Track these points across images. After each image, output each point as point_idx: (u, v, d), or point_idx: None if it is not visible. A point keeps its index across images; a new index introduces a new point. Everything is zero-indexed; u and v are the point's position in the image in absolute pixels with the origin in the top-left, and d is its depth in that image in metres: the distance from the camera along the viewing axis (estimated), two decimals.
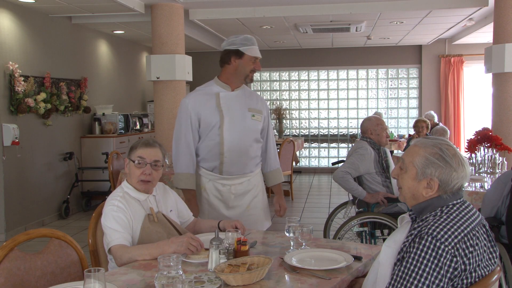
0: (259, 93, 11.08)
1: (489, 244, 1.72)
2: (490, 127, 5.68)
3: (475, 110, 10.33)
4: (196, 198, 3.08)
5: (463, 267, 1.60)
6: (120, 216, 2.32)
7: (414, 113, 10.72)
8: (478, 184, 4.13)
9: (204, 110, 2.98)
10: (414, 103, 10.76)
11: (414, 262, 1.59)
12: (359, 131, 4.42)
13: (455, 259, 1.58)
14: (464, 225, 1.65)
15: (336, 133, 11.06)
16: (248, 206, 3.10)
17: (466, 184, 1.54)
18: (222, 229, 2.50)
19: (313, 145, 11.19)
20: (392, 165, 4.16)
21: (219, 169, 3.02)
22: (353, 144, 6.33)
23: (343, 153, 10.91)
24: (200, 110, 2.98)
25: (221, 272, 1.90)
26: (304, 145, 10.78)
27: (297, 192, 8.53)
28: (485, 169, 4.58)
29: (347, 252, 2.21)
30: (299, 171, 11.05)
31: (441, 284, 1.57)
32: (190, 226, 2.73)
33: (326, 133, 11.09)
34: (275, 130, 10.52)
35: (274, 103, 11.01)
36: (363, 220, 3.90)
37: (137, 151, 2.45)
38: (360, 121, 4.90)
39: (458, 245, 1.60)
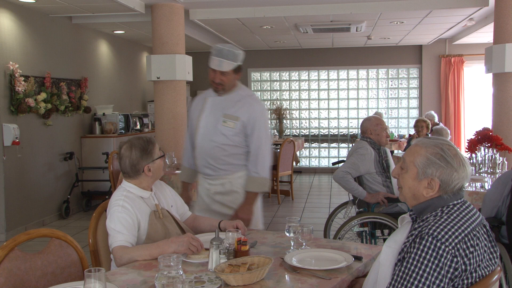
0: (259, 93, 11.07)
1: (489, 244, 1.71)
2: (490, 127, 5.67)
3: (476, 110, 10.32)
4: (186, 190, 3.28)
5: (463, 267, 1.59)
6: (125, 217, 2.32)
7: (415, 113, 10.72)
8: (478, 184, 4.13)
9: (194, 111, 3.21)
10: (414, 103, 10.76)
11: (415, 263, 1.59)
12: (359, 131, 4.42)
13: (455, 259, 1.58)
14: (465, 225, 1.65)
15: (336, 133, 11.05)
16: (229, 206, 3.11)
17: (467, 184, 1.53)
18: (223, 229, 2.50)
19: (313, 145, 11.19)
20: (392, 165, 4.16)
21: (196, 167, 3.20)
22: (353, 144, 6.33)
23: (344, 153, 10.90)
24: (193, 111, 3.23)
25: (221, 272, 1.90)
26: (305, 145, 10.77)
27: (297, 192, 8.53)
28: (486, 169, 4.58)
29: (347, 252, 2.21)
30: (299, 171, 11.05)
31: (442, 284, 1.57)
32: (189, 221, 2.74)
33: (327, 133, 11.09)
34: (275, 130, 10.51)
35: (274, 103, 11.00)
36: (363, 220, 3.90)
37: (155, 147, 2.50)
38: (361, 121, 4.90)
39: (458, 245, 1.59)
